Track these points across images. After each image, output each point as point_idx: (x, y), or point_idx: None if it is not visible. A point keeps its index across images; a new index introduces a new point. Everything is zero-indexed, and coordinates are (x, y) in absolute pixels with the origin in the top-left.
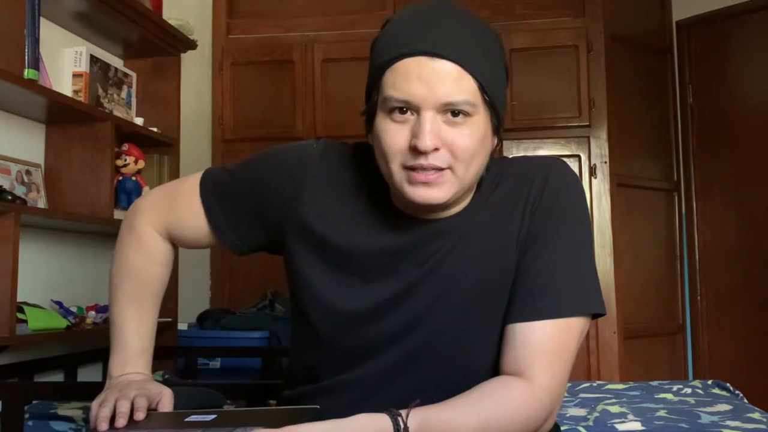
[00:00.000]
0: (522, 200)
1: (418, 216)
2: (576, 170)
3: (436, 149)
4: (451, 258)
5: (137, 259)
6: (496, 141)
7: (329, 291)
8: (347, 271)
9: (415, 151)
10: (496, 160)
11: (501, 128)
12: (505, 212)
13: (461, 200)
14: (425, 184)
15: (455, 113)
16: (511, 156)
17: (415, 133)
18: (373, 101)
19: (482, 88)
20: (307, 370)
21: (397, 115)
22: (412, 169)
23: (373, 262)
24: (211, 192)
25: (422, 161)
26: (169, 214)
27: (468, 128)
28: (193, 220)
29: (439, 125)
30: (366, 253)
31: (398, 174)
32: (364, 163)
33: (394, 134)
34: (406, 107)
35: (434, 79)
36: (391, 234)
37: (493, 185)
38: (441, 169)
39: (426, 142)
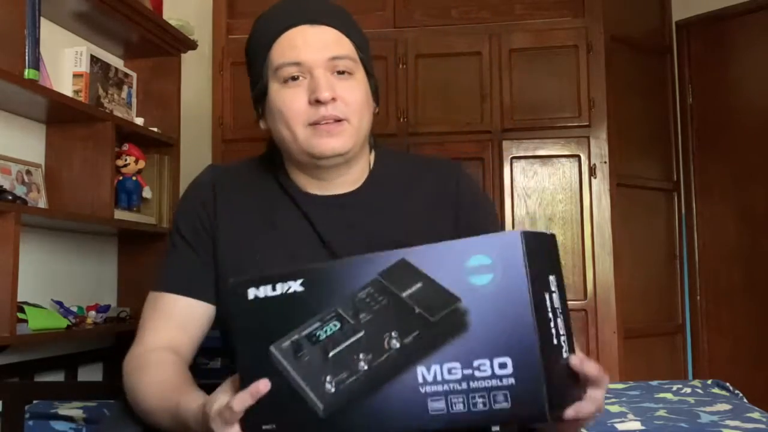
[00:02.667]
0: (449, 196)
1: (327, 192)
2: (576, 170)
3: (334, 100)
4: (374, 231)
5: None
6: (376, 107)
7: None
8: (278, 255)
9: (316, 104)
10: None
11: (378, 94)
12: (430, 203)
13: (357, 161)
14: (329, 134)
15: (341, 72)
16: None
17: (312, 89)
18: (263, 80)
19: (358, 49)
20: None
21: (291, 82)
22: (316, 123)
23: (298, 241)
24: (166, 278)
25: (323, 112)
26: (145, 332)
27: (354, 82)
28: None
29: (332, 80)
30: (295, 244)
31: (302, 133)
32: (261, 162)
33: (292, 97)
34: (299, 72)
35: (318, 41)
36: (310, 217)
37: (403, 170)
38: (340, 120)
39: (324, 93)
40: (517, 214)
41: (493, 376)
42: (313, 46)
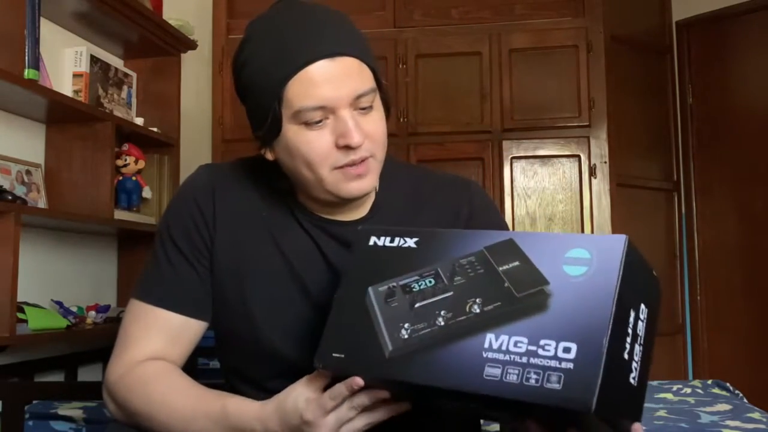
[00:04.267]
0: (461, 220)
1: (331, 216)
2: (576, 170)
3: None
4: None
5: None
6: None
7: (274, 312)
8: (285, 285)
9: (345, 149)
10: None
11: (389, 105)
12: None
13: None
14: (359, 176)
15: (363, 106)
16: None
17: (341, 134)
18: (275, 116)
19: (373, 71)
20: (248, 380)
21: (314, 125)
22: (343, 166)
23: (306, 268)
24: (157, 291)
25: (352, 156)
26: (131, 348)
27: (376, 113)
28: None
29: (357, 119)
30: (296, 261)
31: (329, 177)
32: (258, 175)
33: (317, 140)
34: (322, 115)
35: (342, 78)
36: (315, 238)
37: (411, 191)
38: (366, 159)
39: (356, 138)
40: (517, 214)
41: (555, 357)
42: (336, 84)
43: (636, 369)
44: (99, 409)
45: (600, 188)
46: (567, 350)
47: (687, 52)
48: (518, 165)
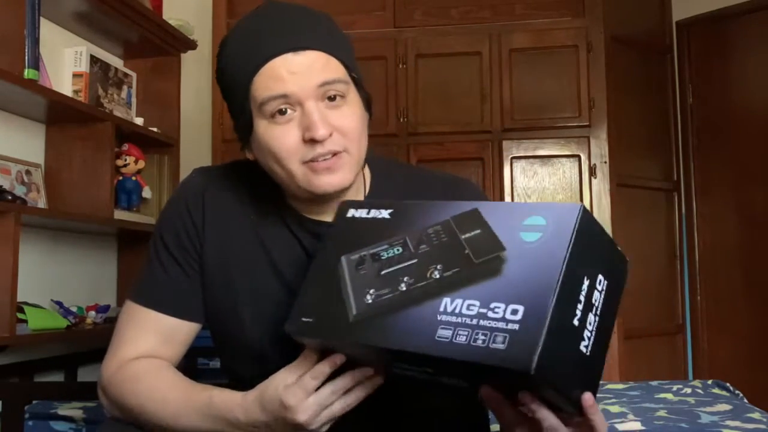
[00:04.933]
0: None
1: (319, 217)
2: (576, 170)
3: (330, 135)
4: None
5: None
6: (368, 116)
7: (263, 314)
8: (272, 287)
9: (311, 142)
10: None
11: (371, 103)
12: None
13: (355, 186)
14: (328, 171)
15: (332, 98)
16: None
17: (306, 126)
18: (247, 114)
19: (348, 67)
20: (241, 380)
21: (279, 117)
22: (312, 160)
23: (293, 270)
24: (150, 293)
25: (320, 150)
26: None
27: (348, 108)
28: (151, 321)
29: (325, 112)
30: (283, 263)
31: (299, 171)
32: (250, 177)
33: (283, 135)
34: (286, 105)
35: (305, 69)
36: (302, 240)
37: (402, 191)
38: (337, 153)
39: (320, 131)
40: None
41: (503, 319)
42: (299, 74)
43: (589, 338)
44: (99, 409)
45: (600, 188)
46: (515, 312)
47: (687, 52)
48: (518, 165)
